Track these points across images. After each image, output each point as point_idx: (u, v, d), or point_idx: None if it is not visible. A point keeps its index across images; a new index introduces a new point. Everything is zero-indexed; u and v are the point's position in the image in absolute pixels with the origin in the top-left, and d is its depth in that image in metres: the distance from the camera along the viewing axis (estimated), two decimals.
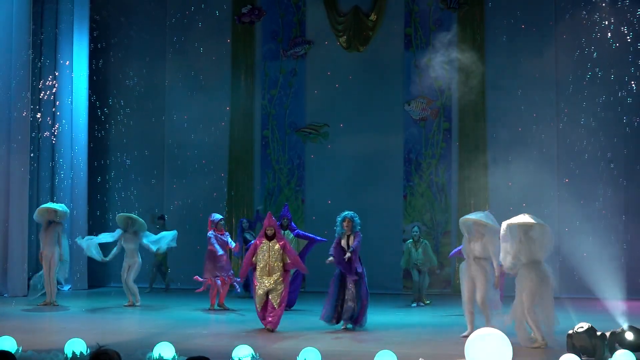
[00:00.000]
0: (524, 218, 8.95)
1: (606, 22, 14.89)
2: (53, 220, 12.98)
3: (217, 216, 12.89)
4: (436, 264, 13.99)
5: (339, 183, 15.89)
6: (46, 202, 14.06)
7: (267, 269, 10.34)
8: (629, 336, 7.71)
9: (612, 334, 7.70)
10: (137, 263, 13.08)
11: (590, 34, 14.95)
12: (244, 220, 14.59)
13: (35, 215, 13.25)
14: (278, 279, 10.31)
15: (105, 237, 13.32)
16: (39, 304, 12.91)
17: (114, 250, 13.25)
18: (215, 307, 12.56)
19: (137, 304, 12.98)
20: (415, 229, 13.76)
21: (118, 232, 13.19)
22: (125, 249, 13.11)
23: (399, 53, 16.07)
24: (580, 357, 6.76)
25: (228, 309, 12.51)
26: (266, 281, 10.32)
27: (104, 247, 13.56)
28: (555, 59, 15.28)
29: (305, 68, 16.50)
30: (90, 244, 13.18)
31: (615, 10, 14.85)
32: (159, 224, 15.40)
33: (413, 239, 13.58)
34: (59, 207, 13.22)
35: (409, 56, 16.04)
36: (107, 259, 13.31)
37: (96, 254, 13.21)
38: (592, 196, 14.82)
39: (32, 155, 15.02)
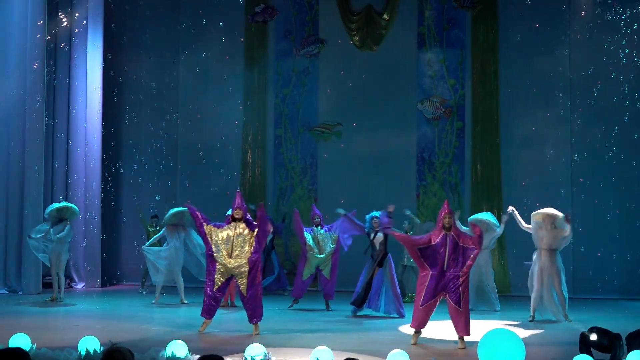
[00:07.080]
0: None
1: (621, 21, 14.80)
2: (64, 219, 13.19)
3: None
4: (418, 222, 13.92)
5: (351, 182, 15.88)
6: (60, 202, 14.21)
7: (229, 251, 9.71)
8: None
9: (628, 335, 7.60)
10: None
11: (604, 32, 14.87)
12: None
13: (48, 213, 13.39)
14: (243, 263, 9.65)
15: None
16: (47, 299, 13.18)
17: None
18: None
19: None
20: (406, 223, 13.70)
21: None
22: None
23: (412, 52, 16.04)
24: (593, 358, 6.70)
25: (236, 306, 12.44)
26: (228, 264, 9.68)
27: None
28: (570, 58, 15.21)
29: (318, 67, 16.49)
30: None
31: (630, 9, 14.76)
32: (153, 222, 15.02)
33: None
34: (72, 206, 13.58)
35: (422, 55, 16.01)
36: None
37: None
38: (606, 196, 14.74)
39: (46, 154, 15.07)
